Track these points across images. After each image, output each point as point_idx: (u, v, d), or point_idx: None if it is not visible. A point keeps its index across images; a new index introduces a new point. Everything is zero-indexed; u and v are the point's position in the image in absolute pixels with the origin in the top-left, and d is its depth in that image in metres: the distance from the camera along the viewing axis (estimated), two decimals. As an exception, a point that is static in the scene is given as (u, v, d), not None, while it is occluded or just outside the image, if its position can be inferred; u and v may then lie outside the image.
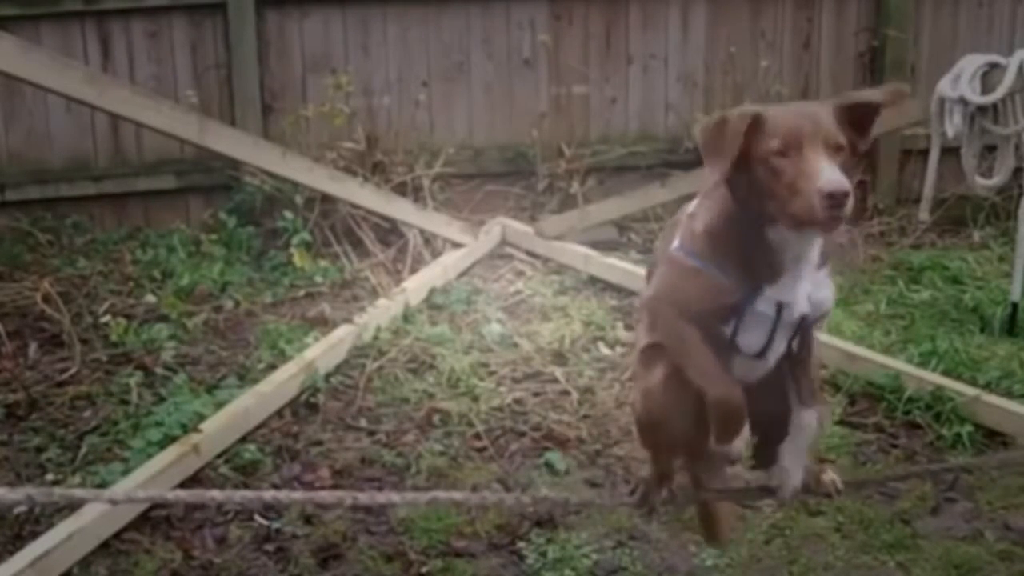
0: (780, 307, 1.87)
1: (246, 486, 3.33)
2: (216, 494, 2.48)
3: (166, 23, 5.16)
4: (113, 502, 2.95)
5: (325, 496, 2.82)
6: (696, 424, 2.03)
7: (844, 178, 1.71)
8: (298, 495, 2.65)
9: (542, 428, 3.68)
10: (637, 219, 5.28)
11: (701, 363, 1.89)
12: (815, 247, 1.87)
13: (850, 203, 1.70)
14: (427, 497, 2.42)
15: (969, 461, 3.39)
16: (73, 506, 3.04)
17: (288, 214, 4.89)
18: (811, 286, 1.89)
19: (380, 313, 4.34)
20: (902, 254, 5.07)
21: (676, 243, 1.95)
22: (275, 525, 3.20)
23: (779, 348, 1.95)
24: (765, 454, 2.35)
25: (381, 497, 2.62)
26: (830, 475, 2.21)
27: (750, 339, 1.92)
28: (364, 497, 2.37)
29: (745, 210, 1.83)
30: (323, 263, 4.83)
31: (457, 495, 2.68)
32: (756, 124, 1.77)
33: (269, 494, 2.64)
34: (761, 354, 1.94)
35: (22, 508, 3.16)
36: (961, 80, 4.15)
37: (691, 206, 1.99)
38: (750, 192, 1.80)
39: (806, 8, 5.63)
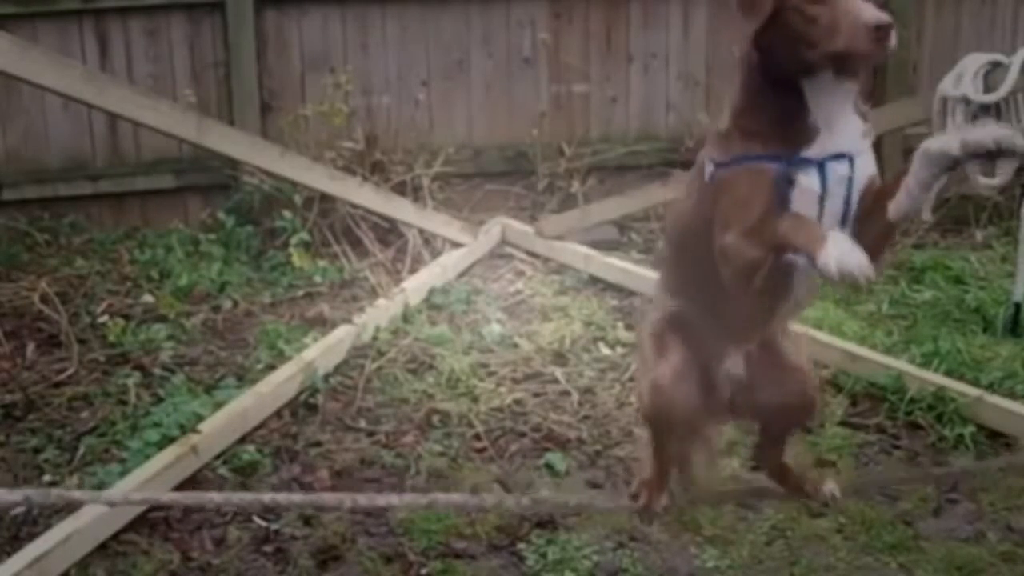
0: (823, 173, 1.85)
1: (245, 487, 3.32)
2: (215, 496, 2.47)
3: (164, 22, 5.15)
4: (110, 504, 2.93)
5: (325, 499, 2.81)
6: (700, 411, 2.06)
7: (885, 12, 1.74)
8: (297, 498, 2.64)
9: (542, 429, 3.67)
10: (638, 219, 5.27)
11: (807, 233, 1.80)
12: (848, 108, 1.86)
13: (894, 35, 1.73)
14: (426, 500, 2.41)
15: (972, 466, 3.37)
16: (71, 507, 3.02)
17: (287, 214, 4.88)
18: (851, 148, 1.87)
19: (379, 313, 4.33)
20: (904, 254, 5.05)
21: (710, 167, 1.92)
22: (274, 526, 3.19)
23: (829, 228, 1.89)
24: (766, 454, 2.34)
25: (380, 499, 2.61)
26: (830, 485, 2.21)
27: None
28: (363, 499, 2.37)
29: (776, 69, 1.83)
30: (322, 263, 4.82)
31: (456, 498, 2.67)
32: None
33: (268, 497, 2.63)
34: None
35: (20, 509, 3.15)
36: (963, 79, 4.12)
37: (705, 148, 1.97)
38: (782, 45, 1.81)
39: (807, 7, 5.61)
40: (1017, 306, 4.28)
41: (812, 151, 1.85)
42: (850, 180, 1.87)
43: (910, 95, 5.05)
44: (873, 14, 1.74)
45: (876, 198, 1.89)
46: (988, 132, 1.81)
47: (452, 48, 5.40)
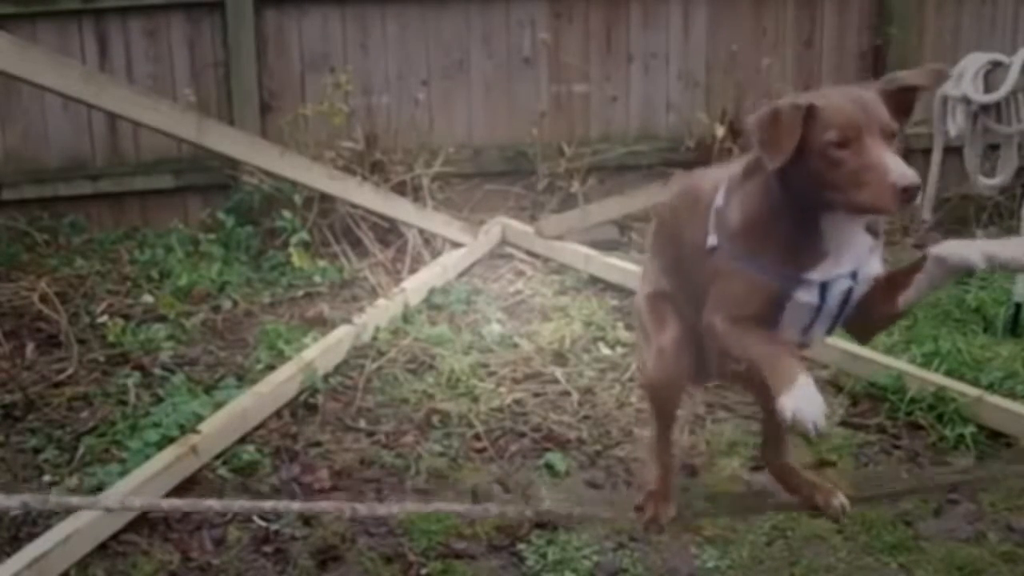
0: (824, 289, 1.86)
1: (244, 487, 3.32)
2: (212, 503, 2.46)
3: (164, 21, 5.15)
4: (108, 510, 2.93)
5: (323, 506, 2.80)
6: (696, 376, 2.14)
7: (912, 170, 1.72)
8: (296, 504, 2.63)
9: (542, 429, 3.66)
10: (638, 219, 5.26)
11: (772, 362, 1.83)
12: (859, 231, 1.87)
13: (920, 195, 1.72)
14: (428, 508, 2.40)
15: (976, 475, 3.36)
16: (69, 510, 3.02)
17: (287, 214, 4.87)
18: (856, 265, 1.88)
19: (379, 313, 4.32)
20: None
21: (712, 240, 1.93)
22: (274, 526, 3.18)
23: (821, 331, 1.95)
24: (771, 452, 2.34)
25: (381, 509, 2.60)
26: (840, 499, 2.22)
27: (792, 330, 1.92)
28: (363, 508, 2.36)
29: (795, 198, 1.83)
30: (322, 263, 4.81)
31: (459, 507, 2.66)
32: (811, 115, 1.77)
33: (268, 504, 2.62)
34: (803, 343, 1.95)
35: (19, 509, 3.14)
36: (964, 79, 4.13)
37: (719, 197, 1.97)
38: (804, 181, 1.80)
39: (808, 6, 5.61)
40: (1018, 306, 4.28)
41: (816, 273, 1.86)
42: (850, 290, 1.89)
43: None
44: (901, 174, 1.70)
45: (885, 287, 1.91)
46: (1020, 249, 1.81)
47: (452, 48, 5.39)
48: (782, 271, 1.85)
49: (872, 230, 1.90)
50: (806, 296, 1.86)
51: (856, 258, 1.87)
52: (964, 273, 1.86)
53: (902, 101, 1.84)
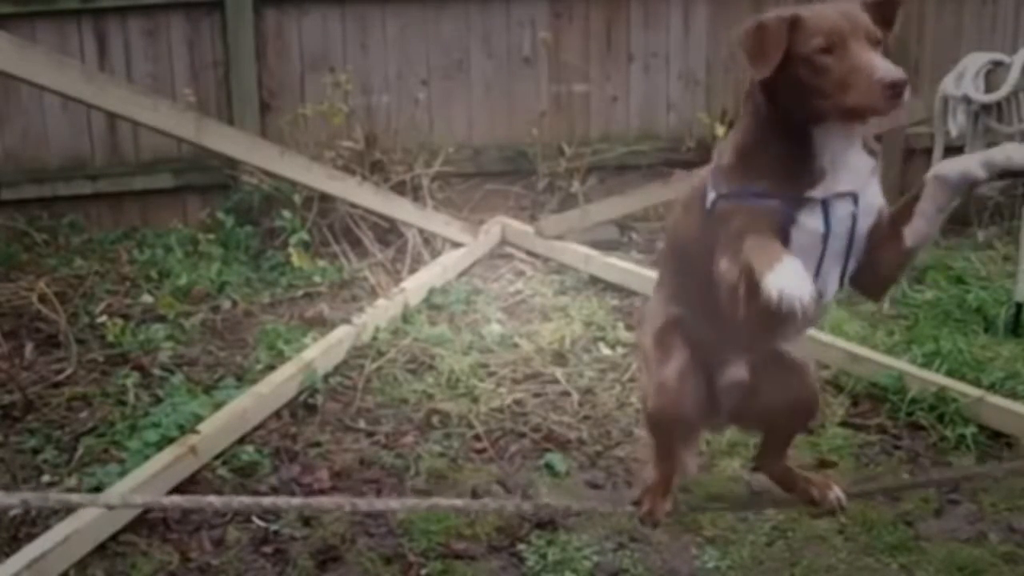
0: (827, 213, 1.83)
1: (244, 488, 3.31)
2: (214, 500, 2.45)
3: (163, 21, 5.14)
4: (109, 507, 2.92)
5: (323, 502, 2.79)
6: (703, 413, 2.07)
7: (898, 68, 1.72)
8: (296, 501, 2.62)
9: (542, 429, 3.65)
10: (638, 218, 5.26)
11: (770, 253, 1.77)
12: (855, 148, 1.85)
13: (908, 90, 1.71)
14: (427, 504, 2.40)
15: (976, 471, 3.35)
16: (70, 508, 3.01)
17: (286, 213, 4.87)
18: (856, 187, 1.85)
19: (379, 313, 4.32)
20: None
21: (712, 195, 1.91)
22: (273, 527, 3.18)
23: (833, 275, 1.89)
24: (769, 459, 2.33)
25: (379, 503, 2.59)
26: (835, 491, 2.20)
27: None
28: (362, 503, 2.35)
29: (786, 115, 1.82)
30: (321, 263, 4.81)
31: (458, 502, 2.65)
32: (795, 25, 1.78)
33: (268, 500, 2.61)
34: (818, 292, 1.87)
35: (18, 510, 3.14)
36: (965, 78, 4.13)
37: (711, 163, 1.96)
38: (791, 93, 1.80)
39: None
40: (1019, 306, 4.27)
41: (816, 191, 1.83)
42: (854, 217, 1.86)
43: (911, 94, 5.03)
44: (887, 71, 1.70)
45: (890, 225, 1.88)
46: (1016, 152, 1.79)
47: (452, 48, 5.39)
48: (780, 192, 1.83)
49: (869, 151, 1.88)
50: (809, 219, 1.83)
51: (855, 178, 1.85)
52: (967, 188, 1.81)
53: (884, 13, 1.85)
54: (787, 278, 1.70)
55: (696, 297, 2.03)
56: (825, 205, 1.83)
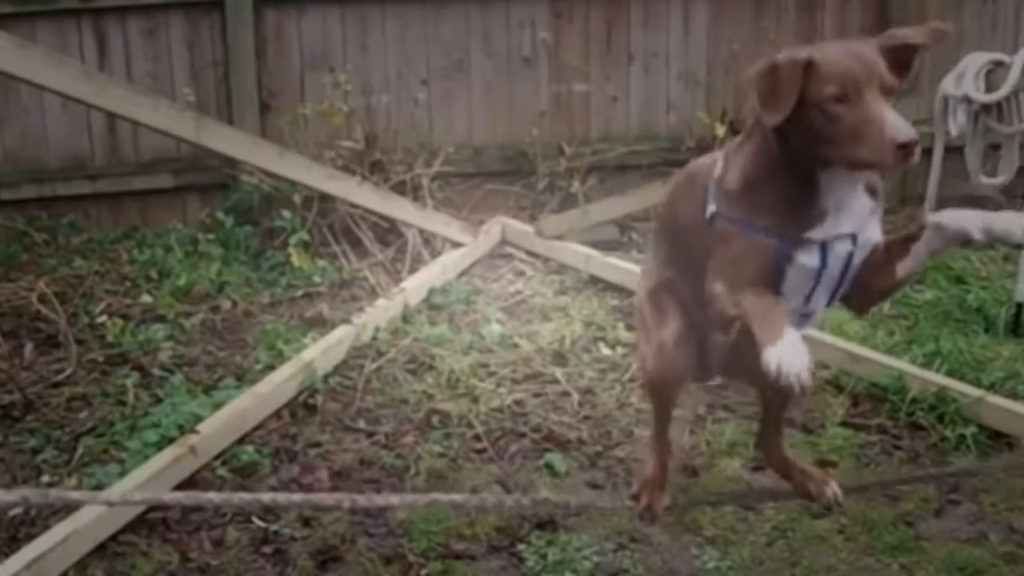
0: (825, 252, 1.85)
1: (244, 488, 3.31)
2: (214, 496, 2.46)
3: (163, 21, 5.13)
4: (109, 504, 2.92)
5: (324, 498, 2.79)
6: (698, 371, 2.12)
7: (910, 126, 1.71)
8: (296, 497, 2.62)
9: (542, 429, 3.65)
10: (638, 218, 5.25)
11: (771, 319, 1.80)
12: (859, 190, 1.86)
13: (918, 151, 1.70)
14: (426, 499, 2.40)
15: (973, 466, 3.36)
16: (70, 508, 3.01)
17: (286, 213, 4.86)
18: (856, 227, 1.87)
19: (379, 313, 4.31)
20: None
21: (712, 207, 1.92)
22: (273, 527, 3.17)
23: (823, 299, 1.93)
24: (768, 442, 2.34)
25: (379, 499, 2.60)
26: (832, 487, 2.21)
27: (794, 299, 1.91)
28: (362, 499, 2.35)
29: (793, 155, 1.82)
30: (321, 263, 4.80)
31: (457, 497, 2.65)
32: (810, 69, 1.76)
33: (267, 497, 2.61)
34: (806, 312, 1.93)
35: (18, 510, 3.14)
36: (965, 78, 4.12)
37: (716, 168, 1.96)
38: (801, 135, 1.79)
39: (809, 6, 5.60)
40: (1019, 306, 4.27)
41: (816, 233, 1.84)
42: (851, 255, 1.88)
43: (911, 94, 5.03)
44: (899, 130, 1.69)
45: (885, 256, 1.90)
46: (1015, 222, 1.80)
47: (452, 47, 5.38)
48: (781, 231, 1.83)
49: (872, 191, 1.89)
50: (807, 258, 1.84)
51: (856, 220, 1.86)
52: (961, 242, 1.84)
53: (901, 58, 1.83)
54: (787, 353, 1.72)
55: (686, 271, 2.06)
56: (824, 245, 1.85)
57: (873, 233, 1.90)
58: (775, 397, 2.28)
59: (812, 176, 1.82)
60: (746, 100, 5.12)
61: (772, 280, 1.86)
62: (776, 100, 1.76)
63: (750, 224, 1.85)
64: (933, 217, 1.87)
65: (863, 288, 1.93)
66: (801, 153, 1.81)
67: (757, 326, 1.77)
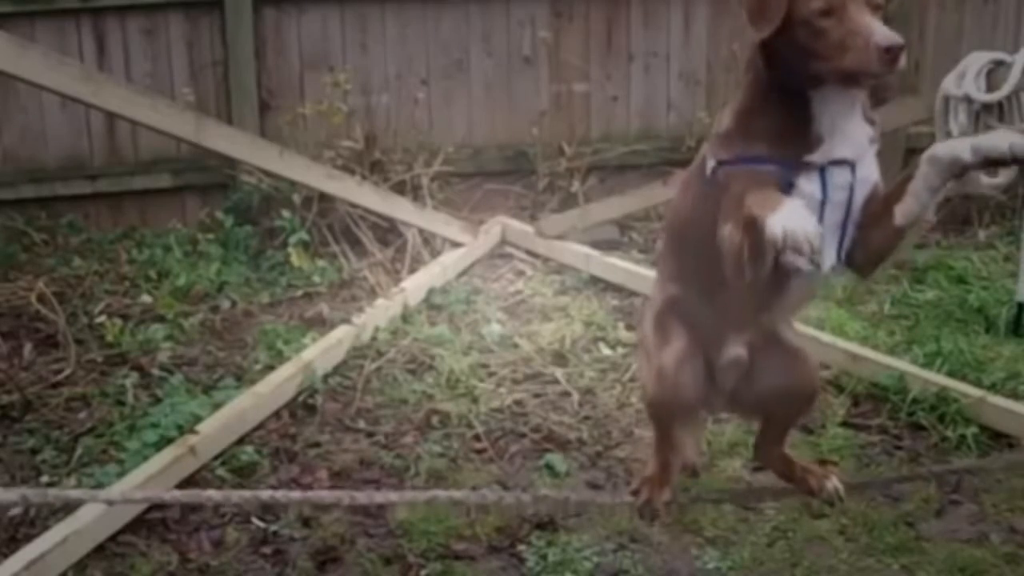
0: (824, 178, 1.84)
1: (243, 488, 3.30)
2: (213, 494, 2.45)
3: (162, 20, 5.13)
4: (109, 503, 2.91)
5: (323, 496, 2.79)
6: (702, 397, 2.08)
7: (896, 34, 1.73)
8: (296, 495, 2.62)
9: (542, 429, 3.65)
10: (638, 218, 5.25)
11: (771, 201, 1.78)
12: (854, 115, 1.86)
13: (904, 56, 1.72)
14: (426, 496, 2.39)
15: (973, 463, 3.35)
16: (69, 508, 3.01)
17: (286, 213, 4.86)
18: (854, 154, 1.86)
19: (379, 313, 4.31)
20: (906, 253, 5.02)
21: (711, 162, 1.92)
22: (272, 528, 3.17)
23: (831, 246, 1.89)
24: (767, 447, 2.32)
25: (379, 496, 2.59)
26: (833, 482, 2.19)
27: None
28: (362, 496, 2.34)
29: (784, 79, 1.84)
30: (321, 263, 4.79)
31: (457, 494, 2.64)
32: None
33: (266, 493, 2.61)
34: (813, 261, 1.85)
35: (17, 510, 3.13)
36: (966, 78, 4.11)
37: (714, 128, 1.97)
38: (790, 56, 1.81)
39: (809, 5, 5.59)
40: (1020, 306, 4.26)
41: (814, 156, 1.85)
42: (851, 187, 1.87)
43: (912, 94, 5.04)
44: (884, 35, 1.72)
45: (883, 203, 1.89)
46: (1003, 138, 1.79)
47: (452, 47, 5.38)
48: (780, 158, 1.84)
49: (869, 121, 1.89)
50: (808, 185, 1.84)
51: (854, 147, 1.87)
52: (957, 171, 1.81)
53: None
54: (790, 217, 1.71)
55: (696, 275, 2.04)
56: (823, 172, 1.85)
57: (872, 169, 1.90)
58: (783, 419, 2.25)
59: (805, 99, 1.84)
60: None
61: None
62: (765, 15, 1.80)
63: (747, 158, 1.86)
64: (926, 152, 1.86)
65: (865, 241, 1.91)
66: (791, 75, 1.83)
67: (756, 207, 1.76)
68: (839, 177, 1.86)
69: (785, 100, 1.85)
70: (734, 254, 1.84)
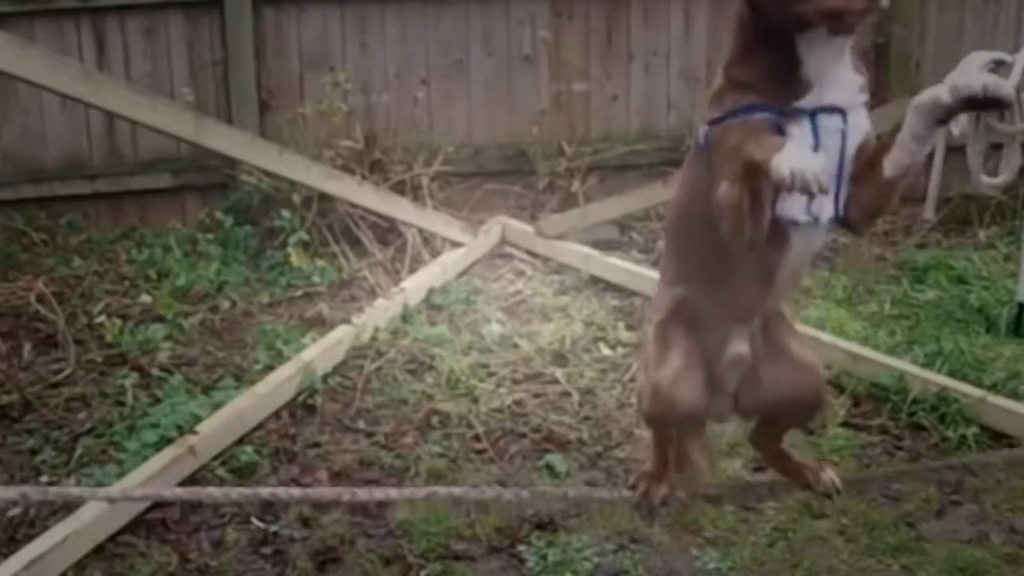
0: (815, 124, 1.82)
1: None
2: (213, 491, 2.44)
3: (162, 20, 5.12)
4: (110, 500, 2.91)
5: (323, 493, 2.78)
6: (702, 410, 2.06)
7: None
8: (296, 492, 2.62)
9: (542, 430, 3.64)
10: (639, 218, 5.25)
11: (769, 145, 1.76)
12: (843, 61, 1.85)
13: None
14: (425, 491, 2.38)
15: (973, 459, 3.34)
16: (68, 508, 3.00)
17: (285, 213, 4.85)
18: (844, 101, 1.85)
19: (378, 313, 4.30)
20: (907, 253, 5.03)
21: (704, 127, 1.90)
22: (272, 528, 3.17)
23: (827, 199, 1.86)
24: (764, 441, 2.32)
25: (379, 493, 2.58)
26: (829, 474, 2.19)
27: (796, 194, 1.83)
28: (362, 492, 2.33)
29: (768, 24, 1.82)
30: (321, 263, 4.79)
31: (455, 490, 2.63)
32: None
33: (267, 490, 2.59)
34: (810, 214, 1.87)
35: (17, 510, 3.13)
36: (966, 77, 4.10)
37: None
38: (773, 1, 1.80)
39: (809, 5, 5.59)
40: (1020, 306, 4.26)
41: (804, 103, 1.83)
42: (843, 134, 1.85)
43: (913, 93, 5.03)
44: None
45: (872, 156, 1.88)
46: (977, 78, 1.79)
47: (452, 46, 5.37)
48: (770, 105, 1.82)
49: (857, 69, 1.88)
50: (799, 132, 1.82)
51: (844, 94, 1.85)
52: (940, 114, 1.80)
53: None
54: (795, 156, 1.69)
55: (697, 266, 2.03)
56: (814, 118, 1.83)
57: (863, 118, 1.88)
58: (786, 424, 2.25)
59: (791, 45, 1.82)
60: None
61: None
62: None
63: (738, 110, 1.84)
64: (912, 102, 1.85)
65: (857, 197, 1.90)
66: (776, 20, 1.81)
67: (756, 152, 1.74)
68: (830, 123, 1.84)
69: (771, 47, 1.83)
70: (733, 207, 1.81)
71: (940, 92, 1.79)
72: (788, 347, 2.09)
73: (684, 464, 2.27)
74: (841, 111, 1.85)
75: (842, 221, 1.94)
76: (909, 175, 1.87)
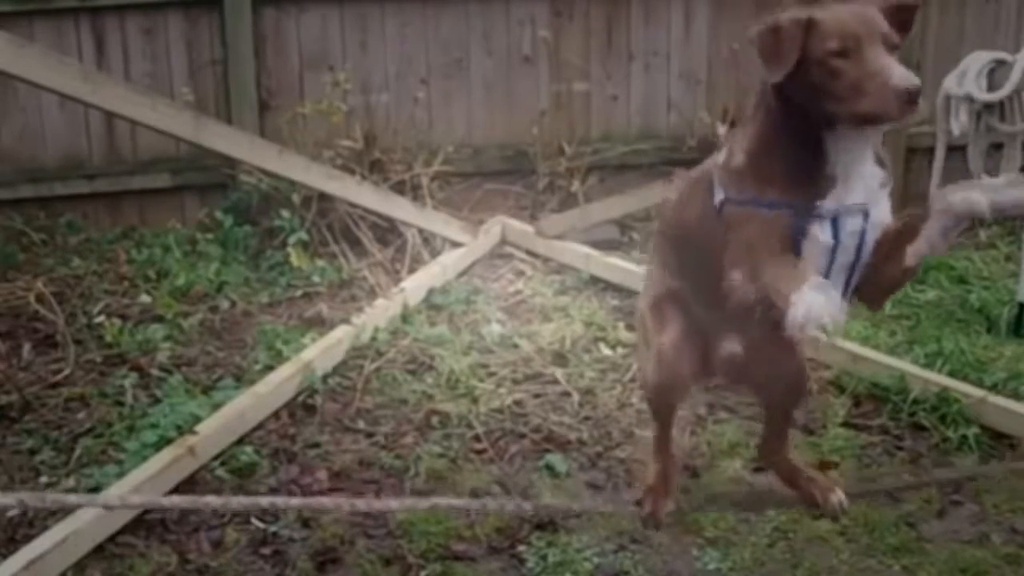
0: (836, 224, 1.82)
1: (242, 489, 3.30)
2: (212, 500, 2.44)
3: (161, 19, 5.12)
4: (107, 508, 2.91)
5: (322, 502, 2.78)
6: (699, 377, 2.11)
7: (913, 74, 1.71)
8: (295, 501, 2.61)
9: (542, 430, 3.64)
10: (639, 218, 5.24)
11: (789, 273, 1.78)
12: (867, 158, 1.84)
13: (920, 98, 1.71)
14: (426, 503, 2.38)
15: (977, 469, 3.35)
16: (68, 508, 3.00)
17: (285, 213, 4.85)
18: (867, 199, 1.85)
19: (378, 313, 4.30)
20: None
21: (720, 195, 1.90)
22: (272, 528, 3.16)
23: (838, 287, 1.88)
24: (771, 448, 2.32)
25: (378, 503, 2.58)
26: (838, 496, 2.20)
27: None
28: (361, 503, 2.34)
29: (798, 120, 1.81)
30: (320, 263, 4.78)
31: (457, 502, 2.64)
32: (811, 27, 1.77)
33: (266, 500, 2.60)
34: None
35: (16, 511, 3.12)
36: (967, 77, 4.11)
37: (721, 155, 1.95)
38: (804, 96, 1.79)
39: (809, 5, 5.58)
40: (1021, 306, 4.26)
41: (827, 203, 1.83)
42: (863, 232, 1.86)
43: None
44: (902, 76, 1.69)
45: (895, 241, 1.87)
46: (1021, 193, 1.79)
47: (451, 46, 5.37)
48: (792, 202, 1.82)
49: (880, 163, 1.87)
50: (820, 232, 1.82)
51: (866, 191, 1.84)
52: (971, 219, 1.81)
53: (901, 18, 1.83)
54: (813, 299, 1.70)
55: (696, 278, 2.04)
56: (836, 218, 1.83)
57: (884, 212, 1.88)
58: (782, 403, 2.26)
59: (818, 141, 1.81)
60: (749, 92, 5.14)
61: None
62: (778, 57, 1.77)
63: (759, 200, 1.84)
64: (940, 199, 1.83)
65: (876, 277, 1.91)
66: (805, 115, 1.80)
67: (777, 286, 1.75)
68: (851, 222, 1.84)
69: (798, 141, 1.82)
70: (743, 304, 1.84)
71: (979, 204, 1.77)
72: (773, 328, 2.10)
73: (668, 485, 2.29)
74: (863, 210, 1.84)
75: (857, 296, 1.96)
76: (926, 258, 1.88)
